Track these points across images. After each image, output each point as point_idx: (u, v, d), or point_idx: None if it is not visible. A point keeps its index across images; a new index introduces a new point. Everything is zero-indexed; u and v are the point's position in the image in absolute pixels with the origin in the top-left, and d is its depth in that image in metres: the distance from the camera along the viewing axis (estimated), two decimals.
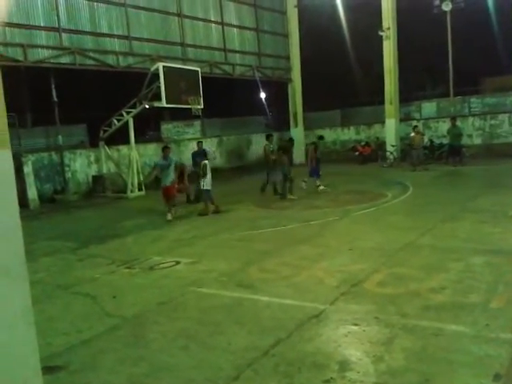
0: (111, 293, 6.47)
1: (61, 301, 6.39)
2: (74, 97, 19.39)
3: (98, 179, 17.44)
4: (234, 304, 5.74)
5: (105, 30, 16.89)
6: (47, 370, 4.13)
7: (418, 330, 4.65)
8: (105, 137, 17.26)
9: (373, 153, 22.93)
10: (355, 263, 6.99)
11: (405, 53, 22.47)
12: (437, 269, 6.44)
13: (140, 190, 16.89)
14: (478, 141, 21.74)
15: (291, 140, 15.85)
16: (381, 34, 21.90)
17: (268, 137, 15.40)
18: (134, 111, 16.41)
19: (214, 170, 20.40)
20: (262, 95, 26.46)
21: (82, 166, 17.45)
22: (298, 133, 25.52)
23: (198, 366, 4.30)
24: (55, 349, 4.85)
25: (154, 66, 15.84)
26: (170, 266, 7.62)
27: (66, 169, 16.89)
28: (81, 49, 16.09)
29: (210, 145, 22.91)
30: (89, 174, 17.61)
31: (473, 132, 21.78)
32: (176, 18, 19.47)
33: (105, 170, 17.63)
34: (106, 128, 17.20)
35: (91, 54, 16.48)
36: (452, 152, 18.66)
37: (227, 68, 21.98)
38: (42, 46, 15.18)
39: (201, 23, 20.64)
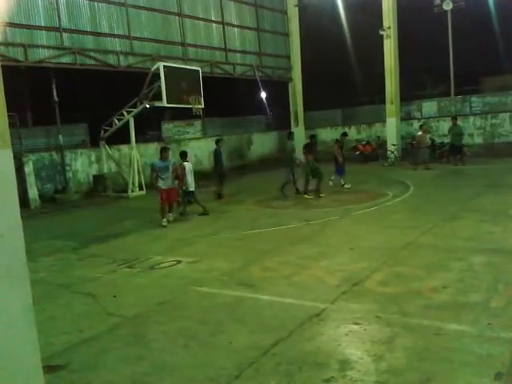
0: (112, 292, 6.47)
1: (62, 300, 6.39)
2: (75, 96, 19.38)
3: (98, 179, 17.44)
4: (235, 303, 5.74)
5: (105, 30, 16.89)
6: (48, 369, 4.14)
7: (419, 329, 4.65)
8: (105, 136, 17.27)
9: (374, 152, 22.92)
10: (356, 262, 6.99)
11: (405, 52, 22.46)
12: (438, 268, 6.44)
13: (141, 189, 16.89)
14: (478, 140, 21.72)
15: (314, 137, 15.25)
16: (381, 33, 21.89)
17: (289, 135, 15.14)
18: (135, 111, 16.41)
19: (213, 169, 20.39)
20: (263, 94, 26.43)
21: (82, 165, 17.46)
22: (298, 132, 25.48)
23: (199, 365, 4.30)
24: (56, 348, 4.85)
25: (155, 66, 15.84)
26: (171, 266, 7.62)
27: (67, 168, 16.89)
28: (81, 48, 16.10)
29: (210, 144, 22.93)
30: (90, 173, 17.61)
31: (474, 131, 21.75)
32: (177, 18, 19.47)
33: (106, 170, 17.63)
34: (106, 127, 17.21)
35: (92, 54, 16.49)
36: (453, 151, 18.65)
37: (228, 68, 21.97)
38: (43, 46, 15.19)
39: (201, 23, 20.63)
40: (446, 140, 20.02)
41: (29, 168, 15.26)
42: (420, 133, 18.74)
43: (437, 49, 23.29)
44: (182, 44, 19.68)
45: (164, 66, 15.47)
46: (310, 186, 13.52)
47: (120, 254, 8.52)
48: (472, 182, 14.08)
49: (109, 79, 19.07)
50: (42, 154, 16.38)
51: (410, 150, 21.75)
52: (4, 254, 3.18)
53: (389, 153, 21.75)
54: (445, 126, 20.92)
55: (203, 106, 17.00)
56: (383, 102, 23.01)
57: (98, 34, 16.65)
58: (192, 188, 11.71)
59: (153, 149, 19.76)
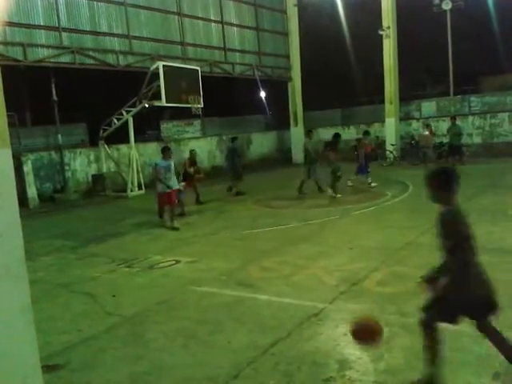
0: (111, 292, 6.47)
1: (60, 300, 6.39)
2: (74, 96, 19.38)
3: (97, 178, 17.44)
4: (234, 303, 5.74)
5: (105, 29, 16.88)
6: (47, 368, 4.14)
7: (418, 329, 4.64)
8: (105, 136, 17.26)
9: (373, 152, 22.90)
10: (355, 262, 7.00)
11: (405, 52, 22.47)
12: None
13: (140, 189, 16.90)
14: (477, 140, 21.75)
15: (337, 135, 14.95)
16: (381, 33, 21.91)
17: (308, 133, 15.04)
18: (134, 110, 16.41)
19: (214, 168, 20.44)
20: (262, 94, 26.46)
21: (81, 165, 17.46)
22: (297, 132, 25.52)
23: (198, 365, 4.30)
24: (55, 347, 4.85)
25: (154, 65, 15.84)
26: (170, 265, 7.62)
27: (66, 168, 16.89)
28: (81, 48, 16.09)
29: (209, 144, 22.95)
30: (89, 173, 17.61)
31: (473, 131, 21.78)
32: (176, 17, 19.46)
33: (105, 169, 17.63)
34: (105, 127, 17.21)
35: (91, 53, 16.48)
36: (452, 151, 18.65)
37: (227, 67, 21.97)
38: (42, 45, 15.18)
39: (201, 22, 20.62)
40: (445, 140, 20.03)
41: (28, 167, 15.26)
42: (426, 132, 18.60)
43: (436, 48, 23.29)
44: (182, 43, 19.68)
45: (163, 66, 15.48)
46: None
47: (119, 254, 8.52)
48: (471, 182, 14.07)
49: (108, 79, 19.08)
50: (40, 154, 16.38)
51: (409, 150, 21.78)
52: (3, 254, 3.18)
53: (388, 153, 21.77)
54: (444, 125, 20.93)
55: (202, 106, 17.01)
56: (382, 101, 23.03)
57: (97, 34, 16.64)
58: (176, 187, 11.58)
59: (152, 148, 19.78)
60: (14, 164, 3.42)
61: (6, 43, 14.11)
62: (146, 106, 16.16)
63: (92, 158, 17.74)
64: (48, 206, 15.30)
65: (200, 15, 20.56)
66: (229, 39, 21.97)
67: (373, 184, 14.48)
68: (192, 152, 14.09)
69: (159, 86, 15.27)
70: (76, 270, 7.80)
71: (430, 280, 3.73)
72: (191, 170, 13.38)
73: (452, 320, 3.51)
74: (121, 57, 17.37)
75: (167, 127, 21.66)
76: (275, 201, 13.26)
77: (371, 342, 3.61)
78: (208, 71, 20.34)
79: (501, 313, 4.85)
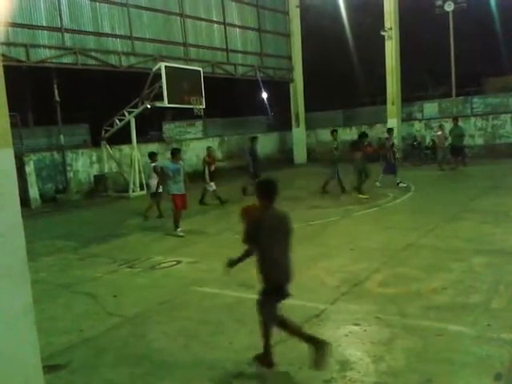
0: (112, 292, 6.48)
1: (62, 300, 6.40)
2: (76, 96, 19.42)
3: (99, 179, 17.46)
4: (236, 303, 5.74)
5: (107, 30, 16.90)
6: (48, 368, 4.14)
7: (419, 330, 4.65)
8: (107, 136, 17.29)
9: (375, 153, 22.88)
10: (356, 263, 6.99)
11: (407, 53, 22.46)
12: (438, 269, 6.44)
13: (142, 189, 16.90)
14: (480, 141, 21.71)
15: (364, 135, 14.49)
16: (383, 34, 21.90)
17: (332, 132, 14.75)
18: (136, 111, 16.43)
19: (215, 170, 20.35)
20: (264, 95, 26.45)
21: (83, 165, 17.48)
22: (299, 133, 25.53)
23: (199, 365, 4.30)
24: (56, 348, 4.86)
25: (156, 66, 15.85)
26: (172, 266, 7.63)
27: (68, 168, 16.92)
28: (83, 49, 16.11)
29: (211, 144, 22.95)
30: (91, 173, 17.64)
31: (475, 132, 21.74)
32: (178, 18, 19.48)
33: (107, 170, 17.66)
34: (107, 128, 17.23)
35: (93, 54, 16.50)
36: (454, 152, 18.61)
37: (229, 68, 21.97)
38: (45, 46, 15.21)
39: (203, 23, 20.64)
40: (447, 141, 19.99)
41: (30, 168, 15.29)
42: (439, 132, 18.40)
43: (438, 50, 23.31)
44: (184, 44, 19.69)
45: (165, 67, 15.49)
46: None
47: (120, 254, 8.53)
48: (473, 183, 14.08)
49: (110, 79, 19.11)
50: (43, 154, 16.41)
51: (412, 151, 21.77)
52: (5, 254, 3.18)
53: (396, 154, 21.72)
54: (446, 127, 20.88)
55: (204, 107, 17.02)
56: (384, 102, 23.01)
57: (100, 35, 16.66)
58: (159, 190, 11.34)
59: (154, 149, 19.73)
60: (16, 164, 3.43)
61: (8, 44, 14.12)
62: (148, 106, 16.18)
63: (94, 158, 17.76)
64: (50, 206, 15.32)
65: (202, 16, 20.57)
66: (231, 40, 21.98)
67: (401, 184, 14.13)
68: (210, 149, 13.97)
69: (161, 87, 15.29)
70: (77, 270, 7.81)
71: (232, 264, 4.48)
72: (212, 167, 13.39)
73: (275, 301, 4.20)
74: (123, 58, 17.39)
75: (169, 128, 21.68)
76: (277, 201, 13.23)
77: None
78: (210, 72, 20.35)
79: (503, 313, 4.86)
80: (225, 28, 21.59)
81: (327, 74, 25.75)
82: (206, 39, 20.76)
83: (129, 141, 17.24)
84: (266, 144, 26.15)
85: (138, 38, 17.82)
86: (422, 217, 10.11)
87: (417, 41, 23.20)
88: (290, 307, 5.49)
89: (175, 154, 10.20)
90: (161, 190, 11.12)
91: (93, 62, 16.55)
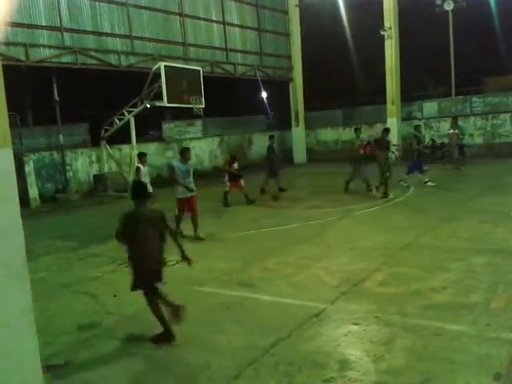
0: (112, 292, 6.48)
1: (62, 299, 6.40)
2: (76, 96, 19.41)
3: (99, 178, 17.45)
4: (235, 303, 5.75)
5: (106, 30, 16.88)
6: (48, 368, 4.14)
7: (419, 330, 4.65)
8: (106, 136, 17.28)
9: (374, 152, 22.90)
10: (356, 263, 7.00)
11: (406, 52, 22.45)
12: (438, 268, 6.45)
13: None
14: (479, 140, 21.71)
15: (386, 130, 13.88)
16: (382, 33, 21.89)
17: (355, 130, 14.54)
18: (136, 110, 16.42)
19: (215, 169, 20.43)
20: (264, 94, 26.44)
21: (83, 165, 17.47)
22: (299, 132, 25.52)
23: (198, 365, 4.31)
24: (56, 347, 4.86)
25: (156, 66, 15.84)
26: (171, 265, 7.60)
27: (68, 168, 16.90)
28: (82, 48, 16.09)
29: (211, 144, 22.96)
30: (90, 173, 17.62)
31: (474, 131, 21.74)
32: (178, 18, 19.47)
33: (106, 169, 17.65)
34: (107, 127, 17.22)
35: (93, 54, 16.49)
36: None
37: (229, 67, 21.96)
38: (44, 46, 15.19)
39: (202, 22, 20.62)
40: (447, 140, 20.00)
41: (29, 167, 15.28)
42: (451, 131, 18.21)
43: (438, 49, 23.29)
44: (183, 44, 19.68)
45: (165, 66, 15.47)
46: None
47: (120, 254, 8.43)
48: (473, 183, 14.08)
49: (110, 79, 19.09)
50: (42, 154, 16.39)
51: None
52: (4, 254, 3.19)
53: (390, 153, 21.71)
54: (445, 126, 20.90)
55: (204, 106, 17.00)
56: (384, 102, 23.00)
57: (99, 34, 16.64)
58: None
59: (153, 148, 19.79)
60: (16, 164, 3.43)
61: (8, 43, 14.09)
62: (148, 106, 16.17)
63: (93, 158, 17.75)
64: (49, 206, 15.30)
65: (202, 16, 20.56)
66: (230, 40, 21.97)
67: (429, 183, 13.72)
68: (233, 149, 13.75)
69: (161, 87, 15.27)
70: (77, 270, 7.82)
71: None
72: (235, 167, 13.09)
73: (149, 289, 4.88)
74: (123, 57, 17.38)
75: (169, 127, 21.67)
76: (276, 201, 13.25)
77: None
78: (209, 71, 20.34)
79: (502, 312, 4.86)
80: (224, 27, 21.58)
81: (327, 74, 25.73)
82: (205, 39, 20.75)
83: (128, 140, 17.22)
84: (266, 143, 26.11)
85: (137, 38, 17.81)
86: (422, 216, 10.12)
87: (416, 40, 23.18)
88: (289, 306, 5.51)
89: (184, 153, 9.54)
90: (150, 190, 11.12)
91: (92, 61, 16.53)
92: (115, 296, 6.32)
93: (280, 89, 26.30)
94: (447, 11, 21.54)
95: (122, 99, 16.87)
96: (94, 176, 17.59)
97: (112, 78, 18.78)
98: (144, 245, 4.81)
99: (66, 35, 15.66)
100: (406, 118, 23.61)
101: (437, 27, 22.63)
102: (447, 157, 18.87)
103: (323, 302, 5.52)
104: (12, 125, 3.53)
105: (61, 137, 16.67)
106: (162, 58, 17.82)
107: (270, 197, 13.86)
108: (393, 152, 21.59)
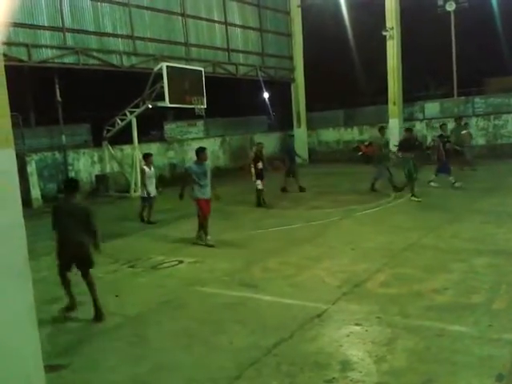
0: (114, 292, 6.49)
1: (63, 300, 6.39)
2: (78, 96, 19.43)
3: (101, 178, 17.46)
4: (237, 303, 5.75)
5: (109, 30, 16.91)
6: (50, 368, 4.14)
7: (421, 331, 4.65)
8: (108, 136, 17.29)
9: (375, 153, 22.88)
10: (358, 263, 6.99)
11: (408, 53, 22.42)
12: (440, 269, 6.44)
13: None
14: (481, 141, 21.66)
15: (410, 130, 13.42)
16: (384, 33, 21.88)
17: (380, 129, 14.24)
18: (138, 111, 16.43)
19: (217, 169, 20.41)
20: (265, 95, 26.45)
21: (85, 165, 17.48)
22: (301, 133, 25.50)
23: (200, 365, 4.31)
24: (58, 348, 4.86)
25: (158, 66, 15.85)
26: (173, 266, 7.63)
27: (70, 168, 16.91)
28: (85, 48, 16.11)
29: (212, 144, 22.95)
30: (92, 173, 17.63)
31: (477, 132, 21.69)
32: (180, 18, 19.49)
33: (108, 170, 17.66)
34: (109, 127, 17.23)
35: (95, 54, 16.51)
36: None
37: (230, 68, 21.97)
38: (46, 46, 15.21)
39: (204, 23, 20.64)
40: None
41: (31, 168, 15.29)
42: (464, 131, 17.99)
43: (440, 50, 23.27)
44: (185, 44, 19.70)
45: (167, 67, 15.48)
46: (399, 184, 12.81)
47: (122, 254, 8.53)
48: (475, 184, 14.04)
49: (112, 79, 19.11)
50: (44, 154, 16.40)
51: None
52: (6, 253, 3.19)
53: (391, 154, 21.69)
54: (447, 126, 20.82)
55: (205, 106, 17.01)
56: (386, 102, 22.97)
57: (102, 34, 16.66)
58: (153, 193, 11.32)
59: (155, 149, 19.78)
60: (18, 164, 3.44)
61: (10, 43, 14.11)
62: (150, 106, 16.18)
63: (95, 158, 17.76)
64: (51, 206, 15.29)
65: (204, 16, 20.57)
66: (232, 40, 21.98)
67: (457, 184, 13.33)
68: (259, 145, 13.29)
69: (163, 87, 15.28)
70: None
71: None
72: (260, 166, 12.60)
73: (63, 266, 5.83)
74: (125, 57, 17.39)
75: (170, 128, 21.67)
76: (278, 201, 13.24)
77: None
78: (211, 72, 20.35)
79: (504, 313, 4.85)
80: (226, 28, 21.59)
81: (328, 74, 25.73)
82: (207, 39, 20.77)
83: (130, 141, 17.23)
84: (268, 144, 26.04)
85: (139, 38, 17.83)
86: (424, 217, 10.11)
87: (418, 40, 23.17)
88: (291, 307, 5.51)
89: (200, 153, 8.98)
90: (154, 193, 11.17)
91: (94, 61, 16.55)
92: (117, 296, 6.33)
93: (282, 89, 26.29)
94: (449, 12, 21.52)
95: (124, 100, 16.88)
96: (96, 176, 17.61)
97: (114, 78, 18.80)
98: (64, 233, 5.73)
99: (68, 36, 15.68)
100: (408, 118, 23.57)
101: (439, 28, 22.62)
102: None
103: (325, 302, 5.51)
104: (14, 125, 3.53)
105: (63, 137, 16.69)
106: (164, 58, 17.83)
107: (299, 189, 14.35)
108: (394, 152, 21.61)
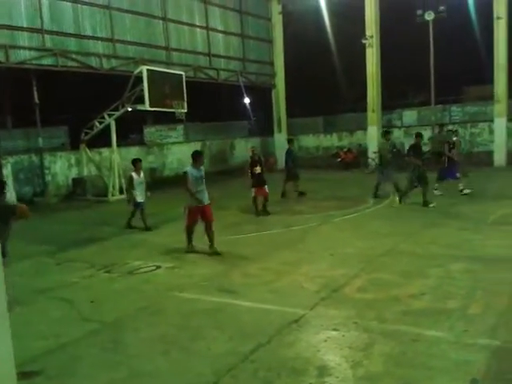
0: (89, 297, 6.39)
1: (38, 305, 6.28)
2: (56, 99, 19.17)
3: (78, 182, 17.24)
4: (215, 309, 5.71)
5: (88, 33, 16.75)
6: (22, 375, 4.05)
7: (397, 336, 4.68)
8: (86, 139, 17.09)
9: (355, 159, 23.12)
10: (336, 268, 7.02)
11: (387, 61, 22.73)
12: (416, 275, 6.51)
13: (121, 193, 16.72)
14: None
15: (419, 136, 12.97)
16: (364, 41, 22.16)
17: (385, 134, 14.12)
18: (117, 114, 16.29)
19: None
20: (246, 100, 26.49)
21: (62, 168, 17.24)
22: (281, 138, 25.60)
23: (178, 372, 4.27)
24: (31, 354, 4.76)
25: (138, 69, 15.75)
26: (151, 271, 7.55)
27: (46, 171, 16.67)
28: (64, 50, 15.93)
29: (192, 149, 22.84)
30: (69, 176, 17.40)
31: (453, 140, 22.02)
32: (161, 22, 19.42)
33: (86, 173, 17.42)
34: (87, 130, 17.03)
35: (74, 56, 16.33)
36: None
37: (212, 73, 21.97)
38: (25, 47, 15.00)
39: (186, 27, 20.61)
40: (426, 148, 20.23)
41: (7, 170, 15.01)
42: (455, 138, 18.01)
43: (418, 58, 23.59)
44: (166, 48, 19.63)
45: (147, 70, 15.40)
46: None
47: (98, 259, 8.41)
48: (452, 192, 14.24)
49: (91, 82, 18.92)
50: (20, 157, 16.14)
51: (390, 159, 21.97)
52: None
53: (370, 160, 21.95)
54: (425, 134, 21.12)
55: (186, 111, 16.95)
56: (365, 109, 23.24)
57: (81, 37, 16.50)
58: (141, 200, 10.77)
59: (134, 153, 19.63)
60: None
61: None
62: (129, 109, 16.05)
63: (73, 161, 17.53)
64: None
65: (185, 20, 20.55)
66: (214, 45, 21.99)
67: (466, 191, 13.02)
68: (254, 149, 12.78)
69: (143, 90, 15.19)
70: (54, 275, 7.69)
71: None
72: (257, 169, 11.96)
73: None
74: (104, 60, 17.25)
75: (150, 131, 21.53)
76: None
77: None
78: (192, 76, 20.30)
79: (480, 319, 4.92)
80: (207, 33, 21.60)
81: (309, 81, 25.88)
82: (188, 43, 20.74)
83: (109, 144, 17.07)
84: (248, 149, 26.16)
85: (119, 41, 17.71)
86: (401, 223, 10.22)
87: (397, 49, 23.45)
88: (270, 313, 5.50)
89: (197, 157, 8.60)
90: (141, 199, 10.70)
91: (73, 63, 16.38)
92: (92, 302, 6.23)
93: (262, 95, 26.39)
94: (428, 21, 21.85)
95: (103, 102, 16.72)
96: (73, 179, 17.38)
97: (93, 81, 18.62)
98: None
99: (47, 37, 15.49)
100: (386, 125, 23.86)
101: (417, 37, 22.94)
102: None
103: (303, 307, 5.52)
104: None
105: (40, 140, 16.45)
106: (145, 61, 17.75)
107: (297, 195, 14.44)
108: (373, 159, 21.85)
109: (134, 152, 19.53)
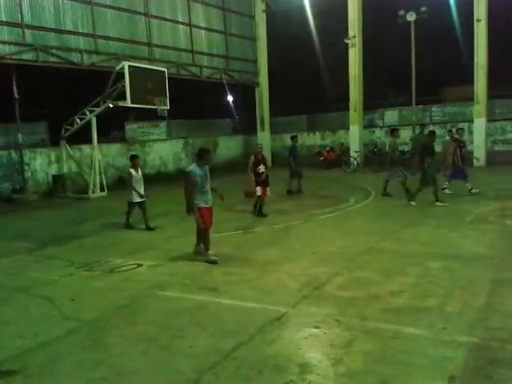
0: (69, 296, 6.32)
1: (17, 303, 6.19)
2: (36, 94, 18.89)
3: (58, 179, 17.03)
4: (197, 307, 5.70)
5: (69, 28, 16.56)
6: (1, 374, 4.01)
7: (378, 333, 4.73)
8: (66, 135, 16.89)
9: (337, 158, 23.28)
10: (317, 266, 7.07)
11: (370, 61, 22.92)
12: (396, 273, 6.58)
13: (102, 190, 16.58)
14: (438, 149, 22.11)
15: (433, 134, 12.78)
16: (346, 41, 22.32)
17: (392, 131, 13.89)
18: (98, 110, 16.13)
19: (180, 172, 20.24)
20: (230, 98, 26.46)
21: (42, 164, 17.02)
22: (264, 137, 25.66)
23: (159, 370, 4.25)
24: (10, 353, 4.70)
25: (119, 65, 15.63)
26: (132, 269, 7.50)
27: (26, 168, 16.44)
28: (44, 45, 15.73)
29: (175, 146, 22.77)
30: (49, 173, 17.18)
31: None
32: (143, 18, 19.29)
33: (66, 170, 17.24)
34: (67, 127, 16.83)
35: (54, 51, 16.13)
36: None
37: (194, 70, 21.89)
38: (4, 42, 14.78)
39: (168, 24, 20.51)
40: (407, 148, 20.49)
41: None
42: (447, 138, 17.90)
43: (400, 58, 23.82)
44: (148, 44, 19.51)
45: (129, 66, 15.29)
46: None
47: (79, 257, 8.33)
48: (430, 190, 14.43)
49: (72, 77, 18.70)
50: None
51: (372, 157, 22.26)
52: None
53: (351, 159, 22.13)
54: (406, 134, 21.36)
55: (168, 108, 16.86)
56: (348, 109, 23.41)
57: (62, 32, 16.31)
58: (138, 199, 10.41)
59: (115, 149, 19.50)
60: None
61: None
62: (111, 106, 15.90)
63: (53, 157, 17.31)
64: (6, 206, 14.82)
65: (168, 17, 20.44)
66: (196, 42, 21.91)
67: (474, 190, 12.97)
68: (258, 147, 12.46)
69: (124, 86, 15.07)
70: (34, 272, 7.58)
71: None
72: (261, 168, 11.51)
73: None
74: (85, 56, 17.07)
75: (132, 128, 21.38)
76: (241, 205, 13.22)
77: None
78: (175, 73, 20.21)
79: (458, 316, 5.00)
80: (190, 29, 21.52)
81: (293, 79, 25.95)
82: (171, 40, 20.64)
83: (90, 140, 16.90)
84: (231, 147, 26.18)
85: (101, 37, 17.54)
86: (383, 221, 10.32)
87: (380, 49, 23.65)
88: (251, 310, 5.51)
89: (204, 154, 7.94)
90: (138, 199, 10.33)
91: (54, 59, 16.18)
92: (73, 300, 6.16)
93: (246, 93, 26.41)
94: (410, 22, 22.07)
95: (84, 98, 16.55)
96: (53, 176, 17.16)
97: (74, 76, 18.40)
98: None
99: (27, 32, 15.29)
100: (368, 125, 24.09)
101: (399, 37, 23.14)
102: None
103: (285, 305, 5.54)
104: None
105: (19, 135, 16.20)
106: (127, 57, 17.61)
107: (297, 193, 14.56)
108: (355, 158, 22.03)
109: (115, 149, 19.40)
